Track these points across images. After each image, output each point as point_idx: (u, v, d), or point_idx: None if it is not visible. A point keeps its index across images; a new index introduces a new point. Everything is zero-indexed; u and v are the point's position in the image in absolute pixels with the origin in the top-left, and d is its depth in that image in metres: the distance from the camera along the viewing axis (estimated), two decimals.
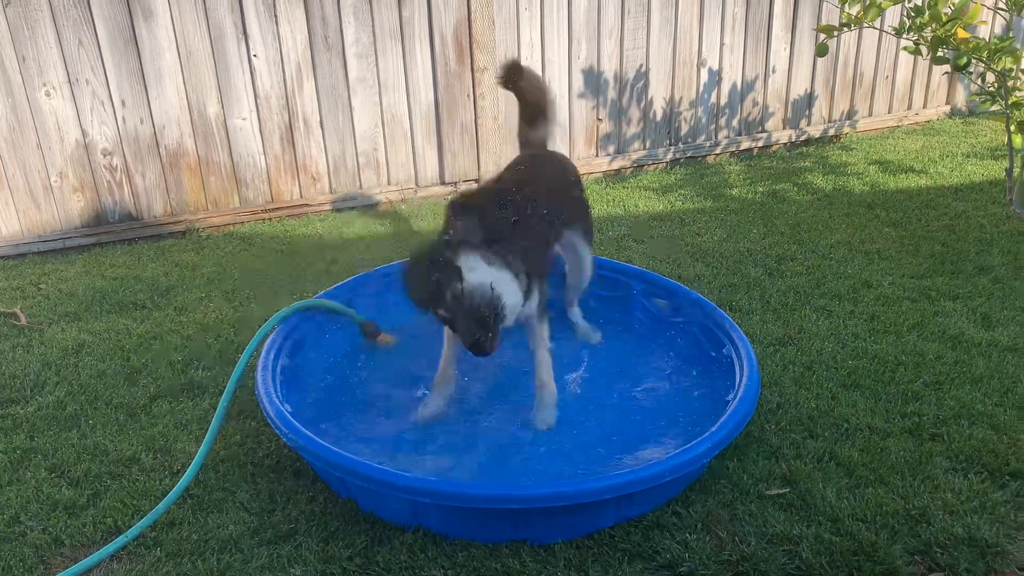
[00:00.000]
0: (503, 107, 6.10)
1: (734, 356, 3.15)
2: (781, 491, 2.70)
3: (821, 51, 5.08)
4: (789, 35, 6.80)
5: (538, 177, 3.45)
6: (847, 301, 4.07)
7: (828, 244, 4.83)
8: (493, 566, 2.41)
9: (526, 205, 3.10)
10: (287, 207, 5.77)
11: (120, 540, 2.54)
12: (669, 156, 6.74)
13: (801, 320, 3.87)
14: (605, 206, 5.78)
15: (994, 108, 4.65)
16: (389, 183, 6.05)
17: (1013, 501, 2.64)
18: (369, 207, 5.92)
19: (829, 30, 4.93)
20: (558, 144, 6.40)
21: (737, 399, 2.82)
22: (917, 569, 2.40)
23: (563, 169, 3.77)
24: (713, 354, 3.36)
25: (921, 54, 4.65)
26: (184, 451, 3.03)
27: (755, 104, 6.93)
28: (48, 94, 5.03)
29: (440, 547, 2.50)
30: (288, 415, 2.74)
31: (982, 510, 2.60)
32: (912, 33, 4.58)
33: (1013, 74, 4.46)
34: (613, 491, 2.41)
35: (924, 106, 7.63)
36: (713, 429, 2.64)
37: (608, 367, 3.58)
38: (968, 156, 6.50)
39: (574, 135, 6.44)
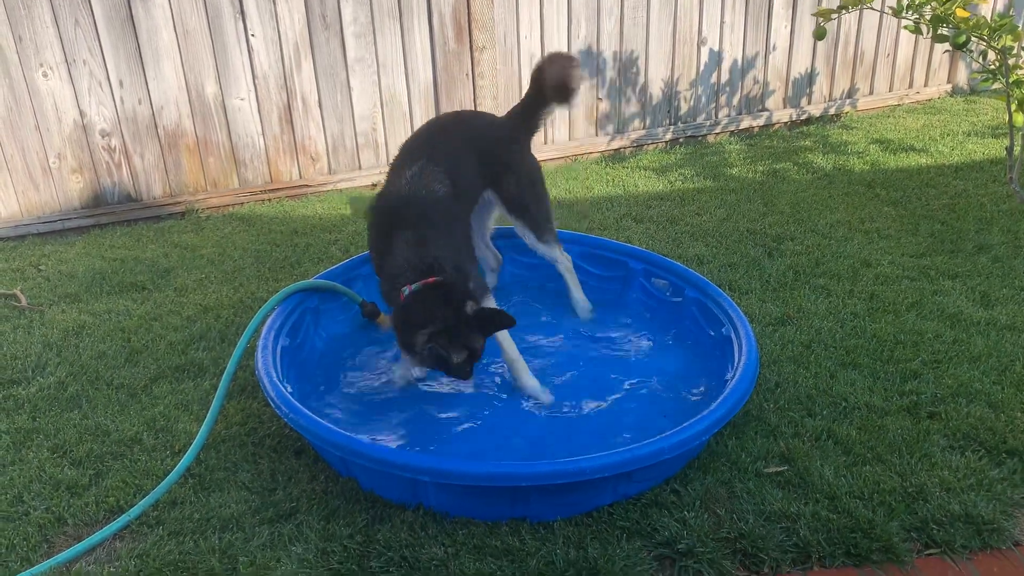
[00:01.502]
0: (502, 86, 6.08)
1: (733, 335, 3.16)
2: (779, 469, 2.72)
3: (819, 35, 5.05)
4: (790, 12, 6.76)
5: (445, 141, 3.42)
6: (846, 280, 4.07)
7: (828, 223, 4.83)
8: (493, 543, 2.43)
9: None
10: (286, 188, 5.76)
11: (122, 519, 2.56)
12: (668, 136, 6.72)
13: (800, 299, 3.88)
14: (604, 186, 5.77)
15: (995, 86, 4.63)
16: (389, 163, 6.02)
17: (1010, 479, 2.66)
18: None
19: (827, 14, 4.90)
20: (557, 124, 6.39)
21: (736, 378, 2.83)
22: (913, 546, 2.42)
23: (480, 128, 3.62)
24: (712, 333, 3.37)
25: (921, 32, 4.62)
26: (185, 431, 3.04)
27: (755, 83, 6.90)
28: (45, 75, 5.01)
29: (440, 525, 2.52)
30: (289, 395, 2.75)
31: (979, 487, 2.61)
32: (911, 12, 4.55)
33: (1014, 52, 4.44)
34: (612, 469, 2.42)
35: (925, 84, 7.60)
36: (712, 408, 2.65)
37: (606, 346, 3.59)
38: (969, 135, 6.48)
39: (573, 115, 6.42)
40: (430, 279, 2.89)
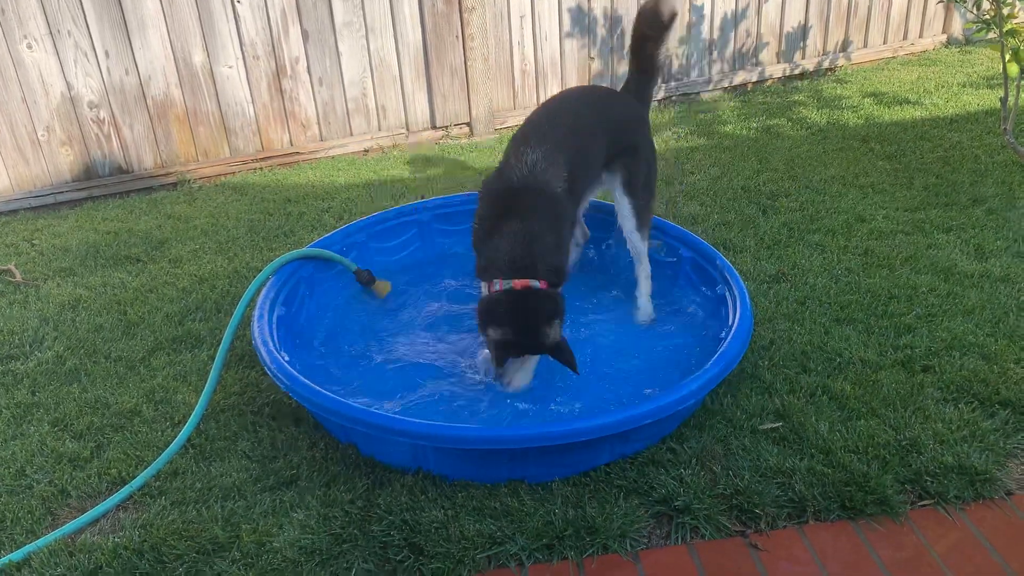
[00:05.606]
0: (492, 47, 6.01)
1: (727, 294, 3.17)
2: (774, 425, 2.74)
3: None
4: None
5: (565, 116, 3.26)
6: (840, 236, 4.07)
7: (822, 179, 4.81)
8: (492, 505, 2.46)
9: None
10: (278, 156, 5.73)
11: (125, 490, 2.59)
12: (661, 94, 6.67)
13: (795, 256, 3.88)
14: None
15: (990, 36, 4.59)
16: (380, 128, 6.00)
17: (1002, 429, 2.68)
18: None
19: None
20: (549, 83, 6.34)
21: (730, 336, 2.83)
22: (907, 498, 2.45)
23: (615, 108, 3.43)
24: (707, 292, 3.38)
25: None
26: (184, 402, 3.06)
27: (748, 37, 6.83)
28: (30, 46, 4.95)
29: (440, 488, 2.54)
30: (286, 364, 2.76)
31: (972, 439, 2.64)
32: None
33: (1008, 1, 4.39)
34: (607, 430, 2.44)
35: (920, 36, 7.53)
36: (706, 366, 2.66)
37: (608, 310, 3.60)
38: (964, 86, 6.43)
39: (566, 75, 6.36)
40: (524, 282, 2.89)
